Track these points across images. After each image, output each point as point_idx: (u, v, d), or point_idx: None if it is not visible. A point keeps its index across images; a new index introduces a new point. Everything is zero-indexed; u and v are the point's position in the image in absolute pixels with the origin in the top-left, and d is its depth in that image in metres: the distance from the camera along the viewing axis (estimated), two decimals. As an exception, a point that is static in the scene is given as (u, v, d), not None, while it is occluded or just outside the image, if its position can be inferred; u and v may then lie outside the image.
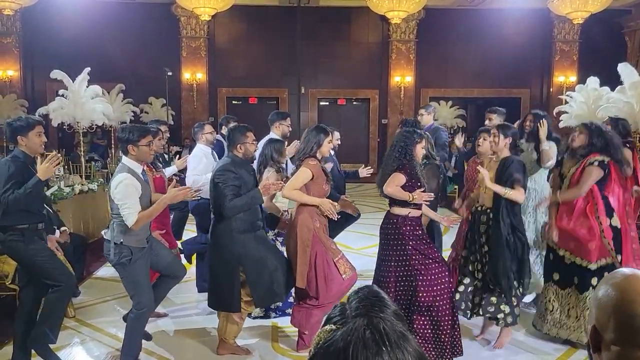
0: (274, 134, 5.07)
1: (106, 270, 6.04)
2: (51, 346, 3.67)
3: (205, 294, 4.05)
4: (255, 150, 3.77)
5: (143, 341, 3.73)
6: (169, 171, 5.09)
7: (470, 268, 4.00)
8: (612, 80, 6.62)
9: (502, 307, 3.87)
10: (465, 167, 5.00)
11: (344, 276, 3.79)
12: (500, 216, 3.76)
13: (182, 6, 11.39)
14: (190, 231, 6.04)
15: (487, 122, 5.31)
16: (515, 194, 3.72)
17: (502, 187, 3.72)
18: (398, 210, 3.73)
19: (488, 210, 3.90)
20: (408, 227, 3.70)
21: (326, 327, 0.88)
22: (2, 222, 3.39)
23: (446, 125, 13.19)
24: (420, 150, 3.80)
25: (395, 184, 3.66)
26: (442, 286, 3.64)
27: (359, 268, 5.64)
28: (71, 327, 4.36)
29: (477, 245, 3.95)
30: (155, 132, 4.40)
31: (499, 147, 3.90)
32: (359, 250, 6.50)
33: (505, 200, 3.75)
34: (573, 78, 13.72)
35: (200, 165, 4.90)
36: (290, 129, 5.24)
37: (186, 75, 13.67)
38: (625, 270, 1.13)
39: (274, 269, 3.69)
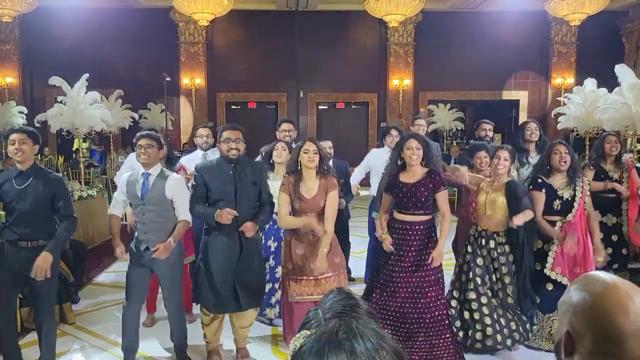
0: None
1: (106, 276, 6.04)
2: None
3: None
4: (229, 150, 3.59)
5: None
6: None
7: (479, 292, 3.86)
8: (609, 82, 6.64)
9: (519, 329, 3.88)
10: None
11: (288, 297, 3.73)
12: (521, 239, 3.79)
13: (181, 12, 11.40)
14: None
15: (483, 133, 5.27)
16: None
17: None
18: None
19: (495, 235, 3.89)
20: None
21: (301, 332, 0.88)
22: None
23: (444, 128, 13.21)
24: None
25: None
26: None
27: (359, 271, 5.68)
28: (70, 333, 4.36)
29: (489, 270, 3.89)
30: None
31: (507, 170, 3.90)
32: (359, 253, 6.49)
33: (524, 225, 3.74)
34: (571, 80, 13.74)
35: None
36: (290, 134, 5.05)
37: (185, 81, 13.68)
38: (601, 275, 1.10)
39: (220, 279, 3.60)
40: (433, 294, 3.74)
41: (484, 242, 3.90)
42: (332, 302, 0.93)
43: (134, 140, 3.66)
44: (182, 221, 3.57)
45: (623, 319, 1.00)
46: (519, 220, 3.64)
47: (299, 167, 3.62)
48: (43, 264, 3.24)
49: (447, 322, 3.77)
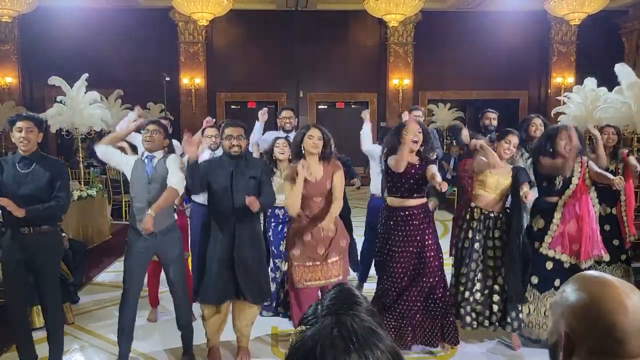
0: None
1: (105, 276, 6.04)
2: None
3: None
4: (231, 147, 3.63)
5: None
6: None
7: (480, 277, 3.93)
8: (609, 81, 6.64)
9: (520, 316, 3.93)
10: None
11: (295, 283, 3.80)
12: (518, 221, 3.84)
13: (180, 11, 11.40)
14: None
15: (487, 122, 5.33)
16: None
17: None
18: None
19: (500, 215, 3.93)
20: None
21: (298, 328, 0.87)
22: None
23: (444, 128, 13.21)
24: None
25: None
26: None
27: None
28: (70, 333, 4.35)
29: (491, 252, 3.93)
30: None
31: (512, 155, 3.97)
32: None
33: (521, 205, 3.80)
34: (571, 79, 13.75)
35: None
36: (290, 122, 5.27)
37: (184, 80, 13.68)
38: (596, 274, 1.10)
39: (216, 268, 3.66)
40: (435, 277, 3.81)
41: (490, 223, 3.94)
42: (331, 298, 0.92)
43: (144, 124, 3.76)
44: (169, 188, 3.49)
45: (623, 317, 1.00)
46: (531, 194, 3.69)
47: (302, 152, 3.71)
48: (13, 207, 3.19)
49: (449, 302, 3.86)
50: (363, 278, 5.31)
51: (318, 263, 3.75)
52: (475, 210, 3.99)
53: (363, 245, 5.30)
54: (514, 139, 3.92)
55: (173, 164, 3.60)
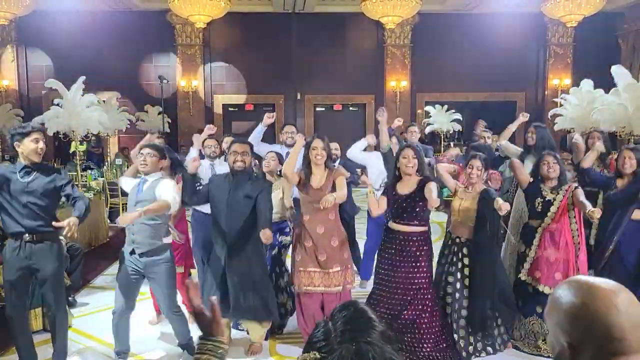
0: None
1: (103, 279, 6.03)
2: (46, 354, 3.70)
3: None
4: (235, 162, 3.74)
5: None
6: None
7: (449, 300, 3.92)
8: (606, 83, 6.66)
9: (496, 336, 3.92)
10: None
11: (296, 288, 3.91)
12: (488, 249, 3.76)
13: (177, 14, 11.40)
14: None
15: (478, 130, 5.39)
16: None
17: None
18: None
19: (468, 242, 3.88)
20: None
21: (310, 354, 0.81)
22: None
23: (442, 130, 13.21)
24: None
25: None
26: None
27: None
28: (68, 336, 4.34)
29: (459, 278, 3.89)
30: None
31: (480, 179, 3.93)
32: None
33: (491, 234, 3.75)
34: (567, 81, 13.78)
35: None
36: (292, 136, 5.25)
37: (182, 83, 13.68)
38: (582, 279, 1.10)
39: (209, 279, 3.85)
40: (429, 296, 3.82)
41: (456, 249, 3.94)
42: (345, 321, 0.86)
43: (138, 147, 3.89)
44: (159, 200, 3.50)
45: (616, 317, 1.02)
46: (506, 205, 3.56)
47: (309, 163, 3.88)
48: (73, 225, 3.22)
49: (444, 323, 3.84)
50: (366, 276, 5.33)
51: (318, 270, 3.83)
52: (447, 234, 4.06)
53: (364, 254, 5.38)
54: (475, 163, 3.89)
55: (164, 184, 3.62)
